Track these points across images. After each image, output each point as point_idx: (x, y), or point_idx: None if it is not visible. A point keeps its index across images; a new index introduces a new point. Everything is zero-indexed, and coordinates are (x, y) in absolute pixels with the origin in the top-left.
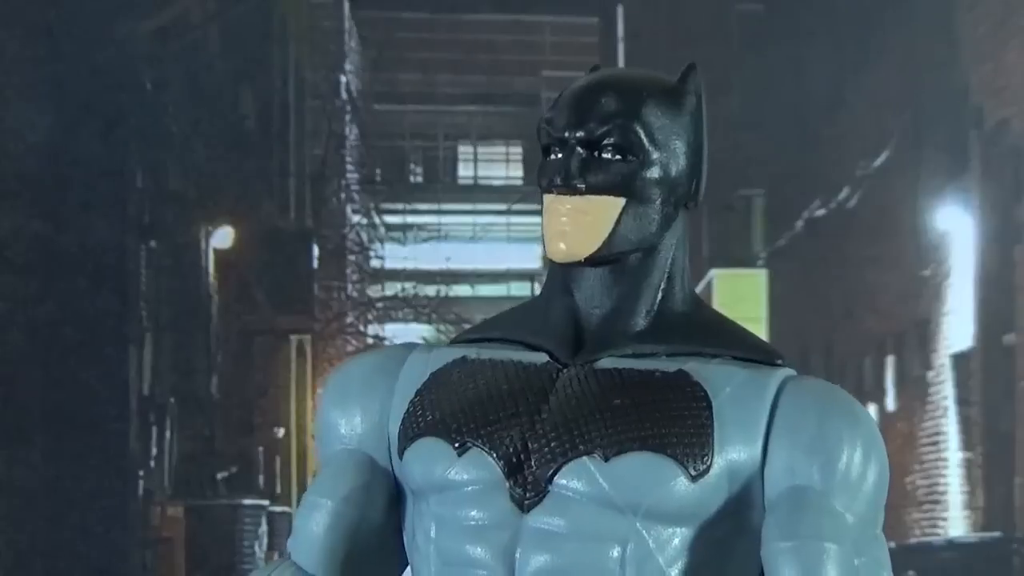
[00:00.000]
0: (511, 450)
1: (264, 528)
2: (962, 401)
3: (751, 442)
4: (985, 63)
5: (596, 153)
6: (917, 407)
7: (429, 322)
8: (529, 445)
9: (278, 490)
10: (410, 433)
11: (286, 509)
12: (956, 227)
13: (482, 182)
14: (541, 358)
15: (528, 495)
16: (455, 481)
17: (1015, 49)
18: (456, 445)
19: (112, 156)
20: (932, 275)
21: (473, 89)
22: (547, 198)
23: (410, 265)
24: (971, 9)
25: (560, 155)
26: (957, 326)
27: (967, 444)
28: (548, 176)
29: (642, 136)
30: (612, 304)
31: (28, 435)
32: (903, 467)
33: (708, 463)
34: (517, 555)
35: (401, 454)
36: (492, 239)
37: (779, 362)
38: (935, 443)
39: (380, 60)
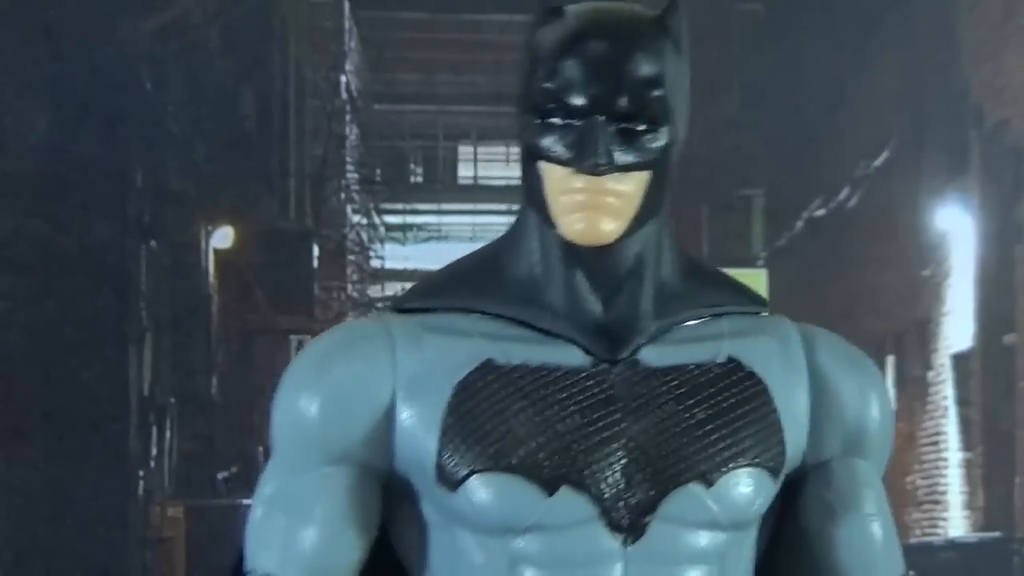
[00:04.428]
0: (606, 484)
1: None
2: (962, 401)
3: (804, 418)
4: (985, 63)
5: (625, 125)
6: (917, 407)
7: None
8: (624, 476)
9: None
10: (466, 465)
11: None
12: (956, 227)
13: (482, 182)
14: (574, 355)
15: (630, 528)
16: (546, 524)
17: (1015, 49)
18: (543, 485)
19: (112, 156)
20: (932, 275)
21: (473, 89)
22: (558, 171)
23: (410, 265)
24: (971, 9)
25: (579, 127)
26: (957, 326)
27: (967, 444)
28: (568, 152)
29: (670, 103)
30: (626, 281)
31: (28, 435)
32: (903, 467)
33: (784, 459)
34: None
35: (452, 486)
36: (492, 239)
37: (767, 309)
38: (935, 443)
39: (380, 60)
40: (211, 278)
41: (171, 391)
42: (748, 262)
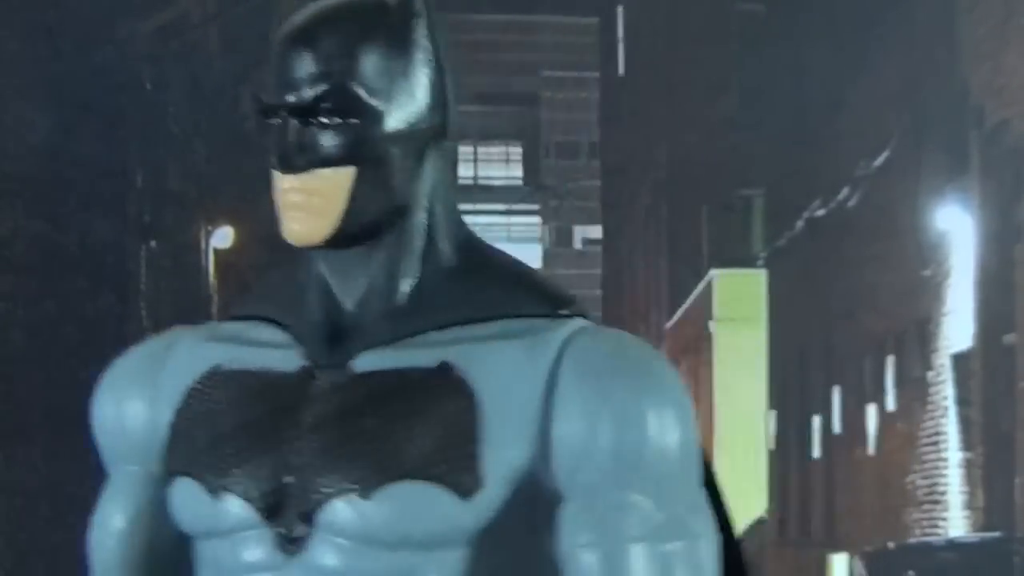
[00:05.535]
0: (266, 490)
1: None
2: (962, 401)
3: (528, 433)
4: (985, 63)
5: (312, 121)
6: (917, 407)
7: None
8: (284, 483)
9: None
10: (169, 468)
11: None
12: (956, 227)
13: (482, 182)
14: (295, 362)
15: (291, 538)
16: (215, 528)
17: (1015, 49)
18: (210, 489)
19: (112, 156)
20: (932, 275)
21: (473, 89)
22: (274, 174)
23: None
24: (971, 10)
25: (275, 127)
26: (957, 326)
27: (967, 444)
28: (272, 154)
29: (362, 93)
30: (368, 282)
31: (28, 435)
32: (903, 467)
33: (478, 475)
34: None
35: (166, 489)
36: (492, 239)
37: (564, 312)
38: (935, 443)
39: None
40: (211, 278)
41: None
42: (748, 262)
